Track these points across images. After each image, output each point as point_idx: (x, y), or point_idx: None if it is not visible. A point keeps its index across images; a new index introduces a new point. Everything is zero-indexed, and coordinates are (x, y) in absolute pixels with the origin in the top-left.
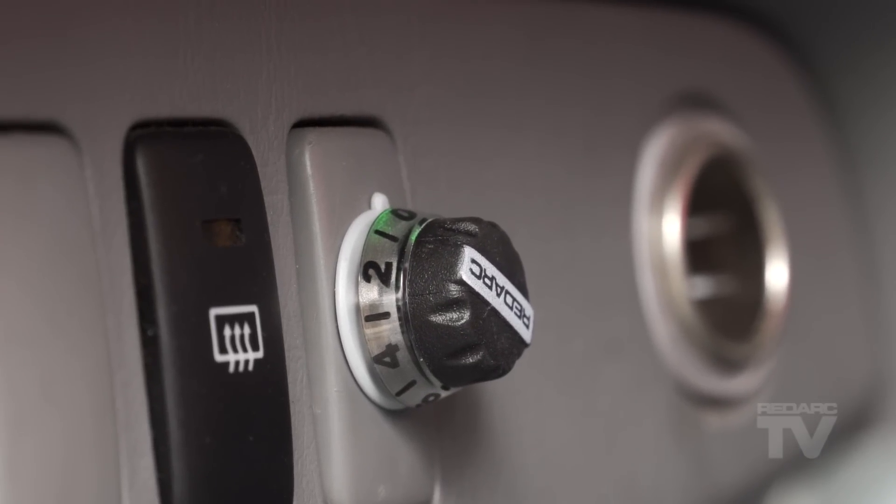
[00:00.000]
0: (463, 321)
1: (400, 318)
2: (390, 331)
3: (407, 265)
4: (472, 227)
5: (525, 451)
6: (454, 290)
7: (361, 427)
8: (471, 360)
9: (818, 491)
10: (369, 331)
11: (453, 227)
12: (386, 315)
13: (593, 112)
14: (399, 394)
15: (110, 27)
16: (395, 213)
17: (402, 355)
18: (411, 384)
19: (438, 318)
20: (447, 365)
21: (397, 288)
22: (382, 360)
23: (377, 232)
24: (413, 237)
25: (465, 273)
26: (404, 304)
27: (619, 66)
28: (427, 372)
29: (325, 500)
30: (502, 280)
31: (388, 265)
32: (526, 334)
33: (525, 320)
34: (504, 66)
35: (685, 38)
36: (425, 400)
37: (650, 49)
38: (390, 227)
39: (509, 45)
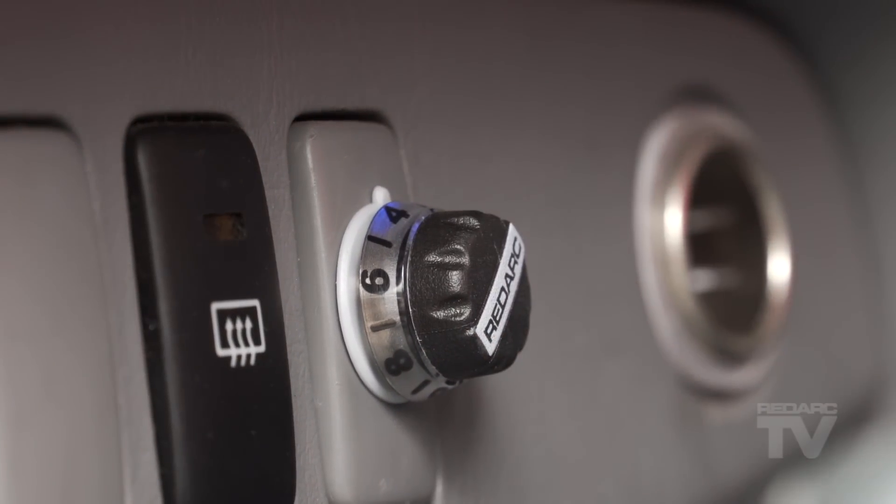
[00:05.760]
0: (464, 316)
1: (403, 324)
2: (397, 336)
3: (406, 269)
4: (473, 222)
5: (527, 445)
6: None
7: (363, 420)
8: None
9: (819, 485)
10: (374, 340)
11: (452, 222)
12: (391, 323)
13: (595, 106)
14: (415, 392)
15: (111, 21)
16: (389, 215)
17: (412, 357)
18: (425, 383)
19: (440, 314)
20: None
21: (399, 290)
22: (398, 364)
23: (371, 238)
24: (411, 238)
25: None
26: (406, 305)
27: (620, 60)
28: (433, 369)
29: (327, 493)
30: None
31: (387, 271)
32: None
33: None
34: (506, 60)
35: (686, 32)
36: (433, 395)
37: (651, 43)
38: (384, 231)
39: (511, 39)
